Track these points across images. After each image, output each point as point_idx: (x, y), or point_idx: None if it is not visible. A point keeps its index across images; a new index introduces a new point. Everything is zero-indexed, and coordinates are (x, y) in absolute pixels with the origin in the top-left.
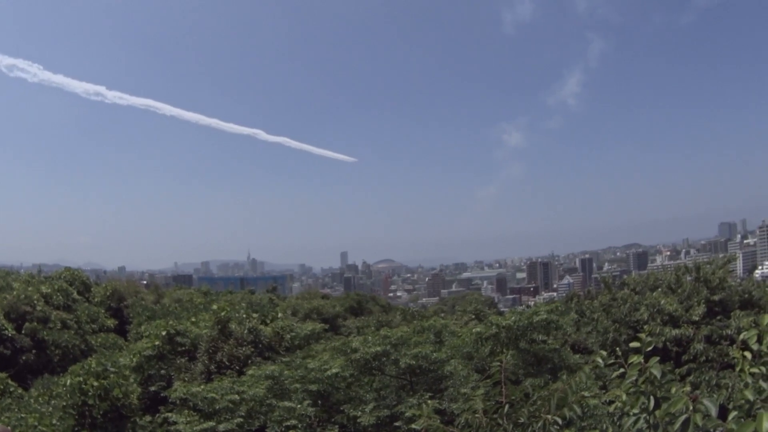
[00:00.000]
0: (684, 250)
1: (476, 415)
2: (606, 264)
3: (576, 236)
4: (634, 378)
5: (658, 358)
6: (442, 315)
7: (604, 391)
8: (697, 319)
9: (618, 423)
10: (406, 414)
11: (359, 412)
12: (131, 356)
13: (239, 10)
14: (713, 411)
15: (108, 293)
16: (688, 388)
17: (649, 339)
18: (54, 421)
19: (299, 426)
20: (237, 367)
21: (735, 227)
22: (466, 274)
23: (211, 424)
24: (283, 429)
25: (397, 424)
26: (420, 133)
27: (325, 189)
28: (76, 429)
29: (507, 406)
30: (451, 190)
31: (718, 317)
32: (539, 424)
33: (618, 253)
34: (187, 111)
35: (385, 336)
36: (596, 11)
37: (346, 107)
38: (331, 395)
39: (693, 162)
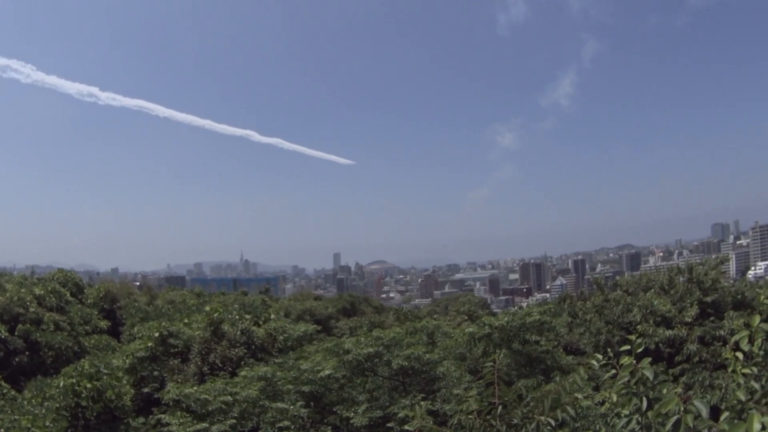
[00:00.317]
0: (677, 251)
1: (469, 416)
2: (599, 265)
3: (569, 237)
4: (626, 379)
5: (650, 359)
6: (435, 316)
7: (596, 392)
8: (689, 320)
9: (611, 424)
10: (399, 415)
11: (352, 413)
12: (124, 358)
13: (234, 11)
14: (704, 412)
15: (101, 295)
16: (680, 389)
17: (639, 340)
18: (47, 423)
19: (292, 427)
20: (230, 369)
21: (728, 228)
22: (458, 275)
23: (204, 425)
24: (276, 430)
25: (389, 425)
26: (414, 134)
27: (317, 190)
28: (70, 431)
29: (500, 407)
30: (444, 191)
31: (711, 318)
32: (532, 426)
33: (611, 254)
34: (180, 112)
35: (378, 337)
36: (590, 12)
37: (340, 108)
38: (324, 396)
39: (686, 163)
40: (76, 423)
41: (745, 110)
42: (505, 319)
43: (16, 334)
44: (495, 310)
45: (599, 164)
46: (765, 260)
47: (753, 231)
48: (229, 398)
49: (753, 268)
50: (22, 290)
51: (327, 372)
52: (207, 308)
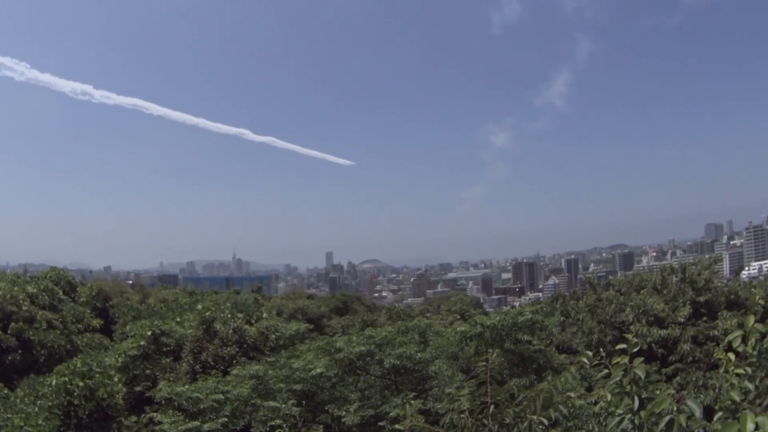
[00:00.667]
0: (670, 251)
1: (461, 415)
2: (592, 265)
3: (562, 237)
4: (618, 378)
5: (642, 359)
6: (427, 315)
7: (589, 391)
8: (682, 320)
9: (604, 423)
10: (391, 414)
11: (344, 412)
12: (116, 356)
13: (228, 9)
14: (697, 412)
15: (93, 293)
16: (673, 389)
17: (635, 340)
18: (40, 422)
19: (284, 425)
20: (222, 367)
21: (721, 228)
22: (451, 275)
23: (196, 423)
24: (267, 429)
25: (381, 423)
26: (407, 133)
27: (310, 189)
28: (62, 429)
29: (492, 407)
30: (437, 190)
31: (704, 318)
32: (525, 425)
33: (604, 254)
34: (174, 110)
35: (370, 336)
36: (584, 12)
37: (333, 107)
38: (316, 395)
39: (680, 163)
40: (68, 421)
41: (740, 111)
42: (497, 318)
43: (8, 332)
44: (487, 310)
45: (593, 164)
46: (759, 260)
47: (747, 231)
48: (221, 397)
49: (747, 268)
50: (15, 288)
51: (319, 371)
52: (199, 307)
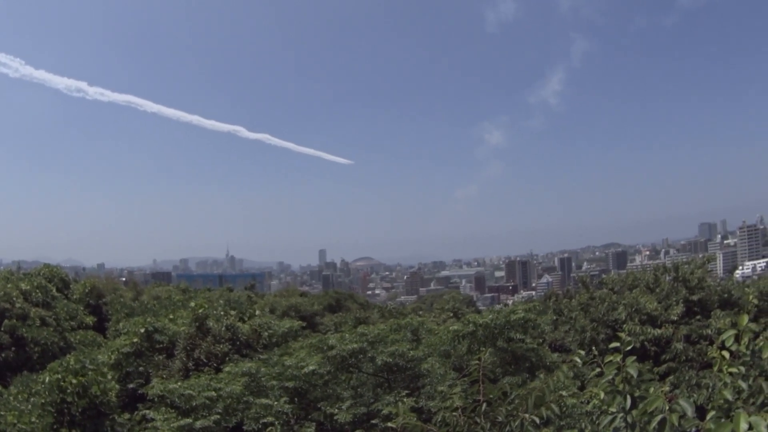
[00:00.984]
0: (663, 250)
1: (453, 414)
2: (585, 263)
3: (555, 235)
4: (611, 377)
5: (635, 358)
6: (420, 313)
7: (582, 390)
8: (675, 318)
9: (596, 422)
10: (383, 412)
11: (336, 410)
12: (110, 353)
13: (224, 6)
14: (689, 411)
15: (87, 290)
16: (666, 388)
17: (628, 339)
18: (33, 419)
19: (276, 423)
20: (215, 364)
21: (715, 228)
22: (444, 273)
23: (189, 420)
24: (260, 426)
25: (374, 421)
26: (401, 131)
27: (303, 186)
28: (55, 426)
29: (484, 405)
30: (430, 188)
31: (697, 317)
32: (517, 423)
33: (597, 253)
34: (168, 107)
35: (362, 333)
36: (579, 11)
37: (328, 105)
38: (308, 392)
39: (673, 162)
40: (61, 419)
41: (735, 110)
42: (490, 316)
43: (2, 329)
44: (480, 308)
45: (587, 163)
46: (752, 260)
47: (740, 231)
48: (214, 394)
49: (740, 267)
50: (8, 285)
51: (311, 368)
52: (192, 304)
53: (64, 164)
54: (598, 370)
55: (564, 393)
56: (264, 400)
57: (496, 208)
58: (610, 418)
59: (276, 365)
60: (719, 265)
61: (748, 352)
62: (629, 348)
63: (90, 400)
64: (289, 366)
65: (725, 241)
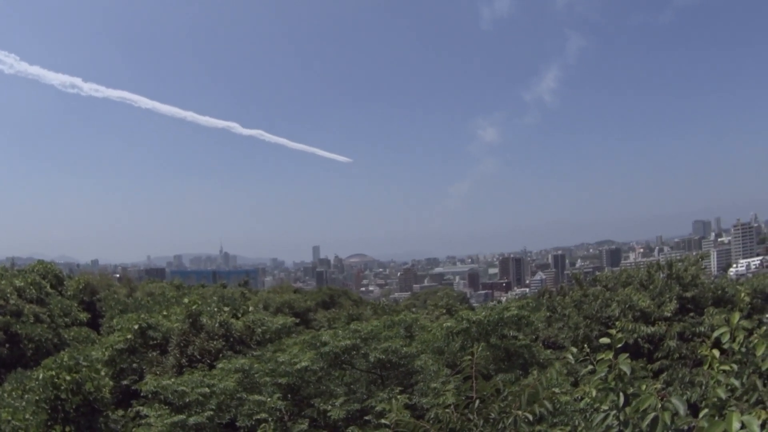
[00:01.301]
0: (657, 248)
1: (446, 410)
2: (579, 260)
3: (549, 232)
4: (603, 374)
5: (627, 355)
6: (414, 310)
7: (575, 387)
8: (669, 315)
9: (589, 419)
10: (377, 408)
11: (329, 406)
12: (103, 350)
13: (219, 2)
14: (681, 410)
15: (81, 287)
16: (659, 385)
17: (620, 335)
18: (27, 416)
19: (270, 419)
20: (208, 361)
21: (709, 225)
22: (438, 269)
23: (182, 417)
24: (253, 422)
25: (367, 418)
26: (395, 127)
27: (297, 183)
28: (49, 423)
29: (477, 402)
30: (424, 184)
31: (691, 314)
32: (510, 420)
33: (591, 250)
34: (163, 104)
35: (355, 330)
36: (575, 8)
37: (322, 101)
38: (302, 389)
39: (668, 160)
40: (55, 415)
41: (729, 109)
42: (483, 313)
43: None
44: (474, 305)
45: (581, 160)
46: (746, 258)
47: (734, 229)
48: (207, 390)
49: (734, 265)
50: (2, 282)
51: (304, 364)
52: (186, 300)
53: (58, 160)
54: (590, 367)
55: (557, 390)
56: (257, 397)
57: (490, 204)
58: (602, 415)
59: (269, 361)
60: (713, 263)
61: (742, 350)
62: (622, 345)
63: (84, 397)
64: (282, 362)
65: (719, 239)
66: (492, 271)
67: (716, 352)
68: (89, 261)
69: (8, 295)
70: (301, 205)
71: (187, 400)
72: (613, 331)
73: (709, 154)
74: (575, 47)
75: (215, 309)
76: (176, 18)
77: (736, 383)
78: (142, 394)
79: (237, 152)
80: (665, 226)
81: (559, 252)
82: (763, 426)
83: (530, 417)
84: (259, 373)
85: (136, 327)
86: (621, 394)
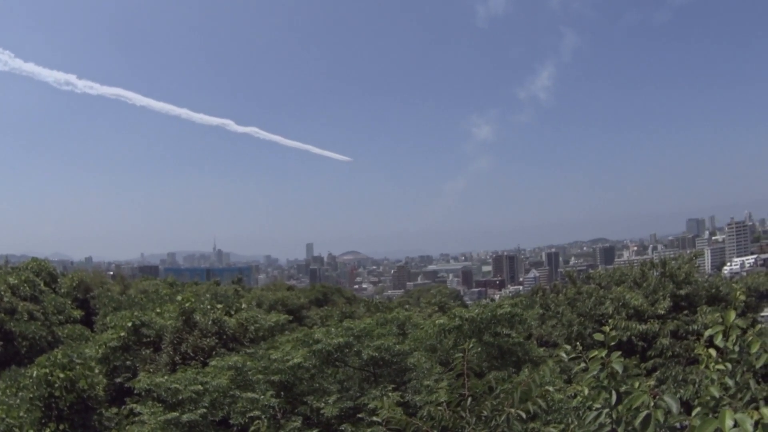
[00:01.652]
0: (651, 246)
1: (439, 408)
2: (572, 258)
3: (543, 230)
4: (595, 372)
5: (620, 353)
6: (407, 307)
7: (568, 384)
8: (662, 312)
9: (582, 417)
10: (369, 406)
11: (322, 404)
12: (97, 347)
13: None
14: (674, 408)
15: (74, 284)
16: (652, 383)
17: (613, 333)
18: (21, 413)
19: (263, 417)
20: (201, 358)
21: (703, 224)
22: (431, 267)
23: (175, 414)
24: (246, 419)
25: (360, 415)
26: (389, 124)
27: (291, 180)
28: (43, 421)
29: (470, 399)
30: (418, 182)
31: (685, 312)
32: (502, 418)
33: (585, 248)
34: (157, 101)
35: (348, 327)
36: (570, 6)
37: (317, 98)
38: (295, 386)
39: (662, 158)
40: (49, 413)
41: (724, 107)
42: (476, 311)
43: None
44: (467, 302)
45: (575, 158)
46: (741, 256)
47: (728, 227)
48: (200, 388)
49: (728, 264)
50: None
51: (296, 361)
52: (179, 298)
53: (52, 158)
54: (583, 365)
55: (550, 388)
56: (250, 394)
57: (483, 202)
58: (595, 413)
59: (262, 359)
60: (707, 262)
61: (736, 349)
62: (615, 343)
63: (77, 395)
64: (275, 359)
65: (713, 238)
66: (486, 268)
67: (713, 351)
68: (83, 258)
69: (2, 293)
70: (295, 203)
71: (181, 397)
72: (606, 329)
73: (704, 152)
74: (570, 45)
75: (208, 306)
76: (170, 14)
77: (730, 382)
78: (135, 392)
79: (231, 150)
80: (659, 224)
81: (553, 250)
82: (756, 425)
83: (523, 414)
84: (252, 370)
85: (129, 324)
86: (613, 392)
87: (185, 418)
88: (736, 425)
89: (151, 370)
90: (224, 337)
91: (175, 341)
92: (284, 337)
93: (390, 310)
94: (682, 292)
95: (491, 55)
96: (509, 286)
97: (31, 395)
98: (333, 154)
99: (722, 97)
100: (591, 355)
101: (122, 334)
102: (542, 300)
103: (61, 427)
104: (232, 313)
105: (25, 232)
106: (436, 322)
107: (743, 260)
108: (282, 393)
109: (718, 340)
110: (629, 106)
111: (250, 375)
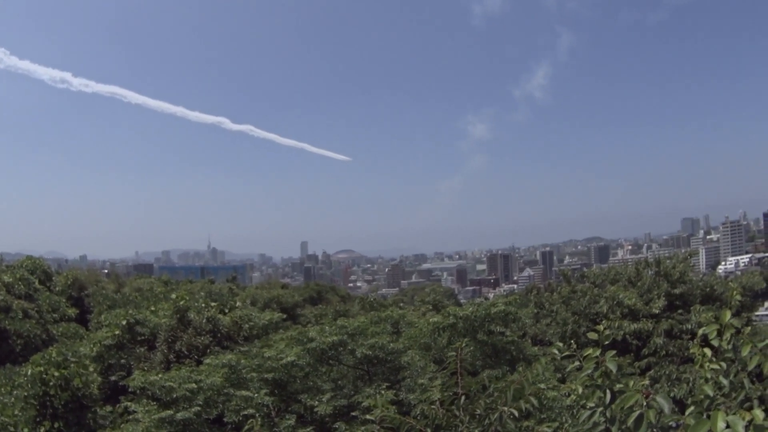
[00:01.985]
0: (646, 245)
1: (432, 406)
2: (567, 257)
3: (537, 229)
4: (590, 371)
5: (614, 352)
6: (401, 305)
7: (563, 383)
8: (657, 311)
9: (576, 416)
10: (363, 404)
11: (316, 402)
12: (92, 346)
13: None
14: (666, 408)
15: (69, 282)
16: (646, 382)
17: (607, 332)
18: (16, 412)
19: (257, 415)
20: (196, 357)
21: (698, 223)
22: (426, 265)
23: (169, 412)
24: (240, 418)
25: (354, 413)
26: (384, 123)
27: (285, 178)
28: (38, 419)
29: (463, 397)
30: (413, 181)
31: (679, 311)
32: (495, 416)
33: (579, 247)
34: (152, 99)
35: (342, 326)
36: (566, 5)
37: (311, 96)
38: (289, 384)
39: (657, 157)
40: (44, 411)
41: (720, 107)
42: (470, 309)
43: None
44: (462, 301)
45: (570, 157)
46: (735, 255)
47: (723, 226)
48: (194, 386)
49: (723, 263)
50: None
51: (290, 359)
52: (173, 296)
53: (47, 156)
54: (577, 363)
55: (543, 386)
56: (244, 392)
57: (478, 201)
58: (588, 412)
59: (256, 357)
60: (702, 261)
61: (730, 348)
62: (610, 341)
63: (72, 393)
64: (269, 358)
65: (708, 237)
66: (480, 267)
67: (707, 351)
68: (77, 256)
69: None
70: (290, 201)
71: (175, 395)
72: (600, 328)
73: (699, 151)
74: (566, 44)
75: (203, 305)
76: (165, 12)
77: (724, 381)
78: (130, 390)
79: (226, 148)
80: (654, 224)
81: (548, 249)
82: (747, 427)
83: (516, 413)
84: (246, 368)
85: (124, 323)
86: (608, 390)
87: (179, 416)
88: (728, 426)
89: (146, 368)
90: (218, 335)
91: (169, 339)
92: (278, 335)
93: (384, 309)
94: (677, 291)
95: (487, 54)
96: (504, 284)
97: (26, 393)
98: (330, 153)
99: (717, 96)
100: (585, 354)
101: (117, 332)
102: (537, 298)
103: (56, 425)
104: (227, 311)
105: (19, 230)
106: (430, 320)
107: (738, 259)
108: (276, 391)
109: (713, 339)
110: (625, 105)
111: (244, 373)
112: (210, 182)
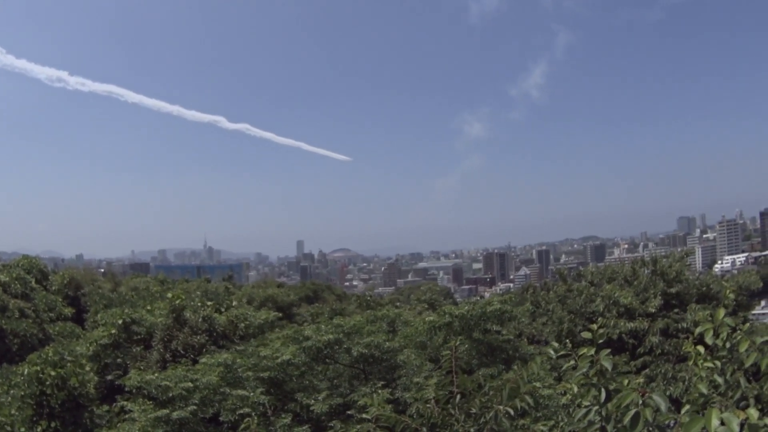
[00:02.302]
0: (642, 244)
1: (428, 405)
2: (563, 256)
3: (534, 228)
4: (585, 370)
5: (609, 351)
6: (398, 304)
7: (558, 382)
8: (653, 311)
9: (572, 414)
10: (359, 403)
11: (312, 401)
12: (88, 345)
13: None
14: (663, 406)
15: (65, 281)
16: (641, 380)
17: (601, 330)
18: (13, 411)
19: (253, 414)
20: (192, 356)
21: (694, 222)
22: (422, 264)
23: (165, 411)
24: (236, 417)
25: (350, 412)
26: (380, 122)
27: (282, 177)
28: (35, 419)
29: (459, 396)
30: (409, 179)
31: (675, 310)
32: (490, 415)
33: (575, 246)
34: (149, 98)
35: (338, 324)
36: (563, 4)
37: (307, 95)
38: (285, 383)
39: (654, 156)
40: (40, 411)
41: (716, 106)
42: (466, 308)
43: None
44: (458, 300)
45: (566, 156)
46: (732, 255)
47: (719, 225)
48: (190, 385)
49: (719, 262)
50: None
51: (285, 358)
52: (169, 295)
53: (43, 155)
54: (572, 362)
55: (538, 385)
56: (240, 391)
57: (474, 199)
58: (584, 411)
59: (252, 356)
60: (698, 260)
61: (727, 346)
62: (606, 340)
63: (69, 392)
64: (265, 357)
65: (704, 236)
66: (476, 266)
67: (701, 349)
68: (74, 256)
69: None
70: (286, 200)
71: (171, 394)
72: (594, 327)
73: (695, 150)
74: (563, 43)
75: (199, 304)
76: (162, 10)
77: (720, 380)
78: (126, 389)
79: (223, 147)
80: (650, 222)
81: (544, 247)
82: (742, 426)
83: (511, 411)
84: (242, 367)
85: (120, 322)
86: (603, 389)
87: (175, 415)
88: (722, 424)
89: (142, 367)
90: (214, 334)
91: (165, 338)
92: (274, 334)
93: (380, 308)
94: (673, 290)
95: (484, 53)
96: (500, 283)
97: (23, 393)
98: (328, 153)
99: (714, 95)
100: (580, 353)
101: (113, 331)
102: (533, 297)
103: (53, 424)
104: (223, 310)
105: (16, 229)
106: (426, 319)
107: (734, 258)
108: (272, 390)
109: (709, 338)
110: (621, 104)
111: (240, 372)
112: (206, 181)
